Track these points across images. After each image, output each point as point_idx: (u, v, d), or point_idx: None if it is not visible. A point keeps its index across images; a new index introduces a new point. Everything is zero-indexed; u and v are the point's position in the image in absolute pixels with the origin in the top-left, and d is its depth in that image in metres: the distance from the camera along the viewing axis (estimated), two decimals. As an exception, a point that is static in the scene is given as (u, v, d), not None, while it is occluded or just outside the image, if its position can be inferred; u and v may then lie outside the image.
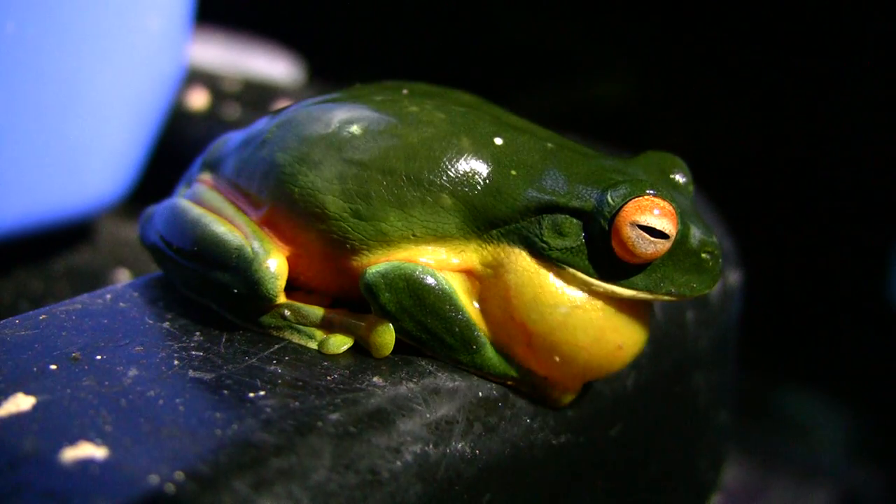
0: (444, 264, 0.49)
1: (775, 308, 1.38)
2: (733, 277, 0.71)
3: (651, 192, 0.46)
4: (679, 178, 0.51)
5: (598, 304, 0.48)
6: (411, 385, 0.47)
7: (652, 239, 0.46)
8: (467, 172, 0.49)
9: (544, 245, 0.47)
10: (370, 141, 0.49)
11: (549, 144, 0.50)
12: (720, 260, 0.49)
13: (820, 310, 1.56)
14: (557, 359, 0.47)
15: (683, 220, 0.47)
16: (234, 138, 0.57)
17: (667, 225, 0.46)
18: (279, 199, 0.51)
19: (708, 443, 0.68)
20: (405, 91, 0.54)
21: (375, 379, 0.47)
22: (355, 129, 0.50)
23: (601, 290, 0.47)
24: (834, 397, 1.49)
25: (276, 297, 0.49)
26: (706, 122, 1.71)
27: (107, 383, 0.44)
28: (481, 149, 0.49)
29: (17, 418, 0.42)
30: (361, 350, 0.49)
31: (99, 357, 0.47)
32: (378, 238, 0.49)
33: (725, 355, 0.68)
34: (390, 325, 0.48)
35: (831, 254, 1.59)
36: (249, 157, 0.53)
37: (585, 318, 0.47)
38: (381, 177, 0.49)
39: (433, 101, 0.52)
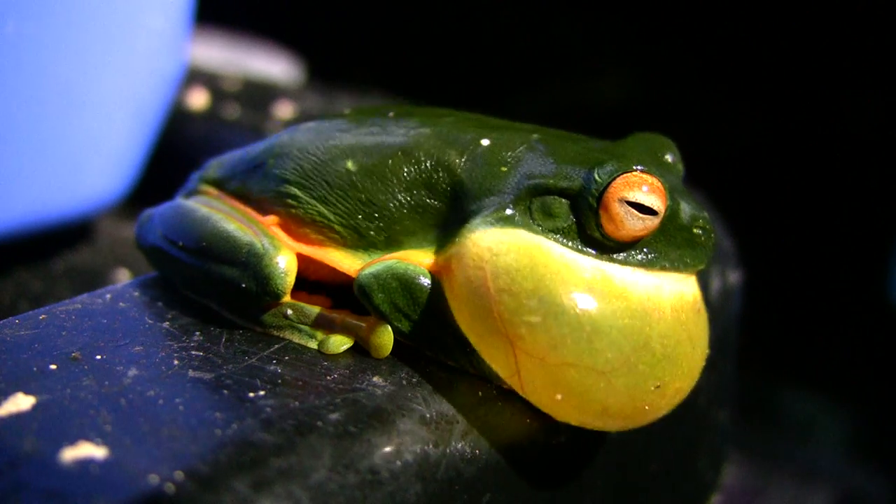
0: (436, 267, 0.49)
1: (775, 308, 1.38)
2: (733, 277, 0.70)
3: (638, 167, 0.46)
4: (668, 157, 0.51)
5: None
6: (411, 385, 0.47)
7: (641, 215, 0.46)
8: (462, 185, 0.49)
9: (536, 228, 0.47)
10: (367, 177, 0.51)
11: (535, 135, 0.50)
12: (712, 234, 0.48)
13: (820, 310, 1.56)
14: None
15: (672, 196, 0.47)
16: (230, 158, 0.58)
17: (655, 201, 0.46)
18: (287, 219, 0.53)
19: (708, 443, 0.68)
20: (391, 113, 0.54)
21: (375, 379, 0.47)
22: (350, 165, 0.51)
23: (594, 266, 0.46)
24: (834, 397, 1.49)
25: (285, 293, 0.49)
26: (706, 122, 1.71)
27: (107, 383, 0.44)
28: (470, 157, 0.50)
29: (17, 418, 0.42)
30: (361, 350, 0.49)
31: (99, 357, 0.47)
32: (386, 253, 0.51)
33: (725, 355, 0.68)
34: (389, 325, 0.48)
35: (831, 254, 1.59)
36: (254, 184, 0.55)
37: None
38: (388, 213, 0.50)
39: (417, 118, 0.53)
